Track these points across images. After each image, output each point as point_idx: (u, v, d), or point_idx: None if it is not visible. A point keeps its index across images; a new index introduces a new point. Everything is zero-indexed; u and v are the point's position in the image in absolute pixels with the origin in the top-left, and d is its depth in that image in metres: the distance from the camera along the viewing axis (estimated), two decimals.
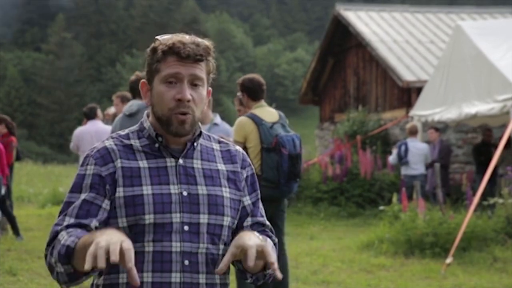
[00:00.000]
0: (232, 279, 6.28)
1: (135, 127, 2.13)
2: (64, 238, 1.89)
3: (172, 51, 2.02)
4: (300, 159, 5.81)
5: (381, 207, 11.01)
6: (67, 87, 57.96)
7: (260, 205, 2.23)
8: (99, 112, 9.07)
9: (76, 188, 2.02)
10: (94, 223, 1.97)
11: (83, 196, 1.99)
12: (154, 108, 2.07)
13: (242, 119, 5.82)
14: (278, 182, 5.67)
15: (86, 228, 1.94)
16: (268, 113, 5.85)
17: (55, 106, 56.73)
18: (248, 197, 2.18)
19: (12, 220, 10.02)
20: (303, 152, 16.63)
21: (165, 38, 2.06)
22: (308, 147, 18.63)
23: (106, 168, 2.02)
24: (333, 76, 18.94)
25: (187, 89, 2.02)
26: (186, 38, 2.05)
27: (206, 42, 2.09)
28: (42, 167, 29.09)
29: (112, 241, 1.73)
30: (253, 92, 5.89)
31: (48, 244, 1.96)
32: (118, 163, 2.02)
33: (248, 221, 2.17)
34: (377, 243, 9.31)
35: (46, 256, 1.97)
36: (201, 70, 2.06)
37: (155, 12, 64.28)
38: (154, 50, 2.06)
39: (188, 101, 2.02)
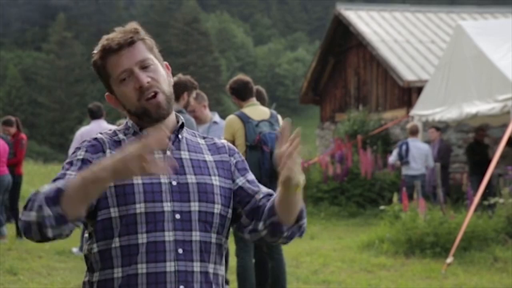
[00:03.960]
0: (233, 279, 6.28)
1: (121, 127, 2.15)
2: (48, 186, 1.86)
3: (106, 51, 2.05)
4: None
5: (382, 207, 11.00)
6: (67, 86, 58.01)
7: (258, 183, 2.22)
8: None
9: (66, 168, 2.00)
10: None
11: (71, 174, 1.96)
12: (127, 108, 2.08)
13: (230, 117, 5.86)
14: (260, 180, 5.61)
15: None
16: (257, 111, 5.84)
17: (55, 105, 56.77)
18: (242, 178, 2.17)
19: (17, 217, 10.05)
20: (306, 151, 16.74)
21: (97, 47, 2.09)
22: (308, 146, 18.65)
23: (97, 156, 2.02)
24: (334, 76, 18.94)
25: (141, 75, 2.03)
26: (112, 33, 2.07)
27: (131, 25, 2.09)
28: (43, 166, 29.09)
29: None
30: (238, 92, 5.91)
31: (25, 207, 1.90)
32: (109, 153, 2.03)
33: (260, 194, 2.15)
34: (377, 243, 9.30)
35: (25, 208, 1.89)
36: (141, 51, 2.06)
37: (156, 12, 64.28)
38: (94, 63, 2.11)
39: (148, 83, 2.03)
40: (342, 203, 13.52)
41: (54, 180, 1.96)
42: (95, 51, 2.08)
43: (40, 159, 34.31)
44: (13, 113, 45.67)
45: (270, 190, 2.20)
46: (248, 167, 2.24)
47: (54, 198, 1.82)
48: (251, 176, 2.22)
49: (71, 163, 2.02)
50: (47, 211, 1.82)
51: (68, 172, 1.98)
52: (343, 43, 18.42)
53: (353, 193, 13.63)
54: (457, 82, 11.13)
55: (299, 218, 2.07)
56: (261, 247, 5.97)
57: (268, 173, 5.63)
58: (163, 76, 2.08)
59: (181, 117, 2.15)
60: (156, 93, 2.03)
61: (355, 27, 17.18)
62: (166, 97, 2.06)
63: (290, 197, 1.99)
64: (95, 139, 2.07)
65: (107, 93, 2.12)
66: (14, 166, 9.91)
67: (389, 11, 18.90)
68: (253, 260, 5.98)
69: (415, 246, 8.88)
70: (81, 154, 2.03)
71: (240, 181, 2.17)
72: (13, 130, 10.11)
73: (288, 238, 2.10)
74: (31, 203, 1.86)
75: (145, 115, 2.04)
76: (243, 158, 2.25)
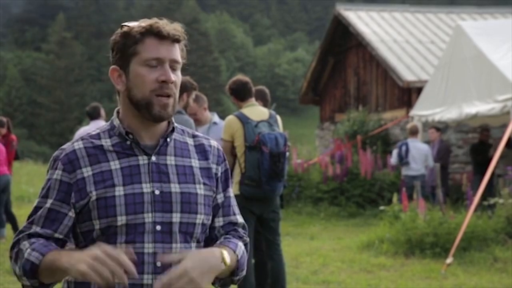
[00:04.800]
0: None
1: (106, 126, 2.10)
2: (27, 251, 1.92)
3: (151, 31, 1.99)
4: (284, 157, 5.69)
5: (382, 207, 11.01)
6: (67, 86, 57.98)
7: (233, 202, 2.20)
8: (102, 111, 8.95)
9: (45, 192, 2.02)
10: (57, 235, 1.98)
11: (49, 203, 1.99)
12: (132, 92, 2.01)
13: (229, 118, 5.84)
14: (260, 181, 5.61)
15: (49, 239, 1.97)
16: (256, 111, 5.83)
17: (55, 105, 56.74)
18: (221, 194, 2.15)
19: (12, 220, 10.07)
20: (305, 151, 16.77)
21: (135, 23, 2.03)
22: (308, 147, 18.64)
23: (74, 174, 1.99)
24: (334, 76, 18.94)
25: (171, 71, 2.01)
26: (161, 21, 2.04)
27: (178, 25, 2.06)
28: (43, 166, 29.05)
29: (106, 252, 1.78)
30: (237, 92, 5.90)
31: (12, 247, 1.99)
32: (89, 171, 1.99)
33: (220, 221, 2.15)
34: (377, 243, 9.31)
35: (11, 257, 2.00)
36: (178, 53, 2.04)
37: (156, 12, 64.22)
38: (127, 34, 2.01)
39: (172, 82, 2.00)
40: (342, 204, 13.52)
41: (36, 208, 2.01)
42: (136, 25, 2.01)
43: (40, 159, 34.28)
44: (12, 113, 45.60)
45: (232, 217, 2.18)
46: (230, 178, 2.22)
47: (30, 272, 1.92)
48: (229, 192, 2.19)
49: (48, 187, 2.02)
50: (26, 281, 1.94)
51: (48, 202, 2.00)
52: (343, 43, 18.43)
53: (352, 193, 13.63)
54: (456, 83, 11.13)
55: (234, 273, 2.10)
56: (261, 247, 5.97)
57: (267, 174, 5.63)
58: (179, 84, 2.07)
59: (173, 121, 2.10)
60: (169, 96, 2.01)
61: (354, 27, 17.18)
62: (174, 103, 2.03)
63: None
64: (74, 152, 2.03)
65: (114, 66, 2.05)
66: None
67: (389, 11, 18.90)
68: (253, 261, 5.98)
69: (414, 247, 8.89)
70: (58, 174, 2.01)
71: (220, 198, 2.15)
72: (3, 131, 10.18)
73: (221, 286, 2.14)
74: (18, 256, 1.95)
75: (146, 108, 2.00)
76: (228, 166, 2.22)
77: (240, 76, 6.06)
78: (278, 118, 5.99)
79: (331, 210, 13.31)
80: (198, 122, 6.59)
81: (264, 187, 5.63)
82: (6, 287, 7.05)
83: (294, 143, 17.43)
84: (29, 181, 20.84)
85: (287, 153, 5.82)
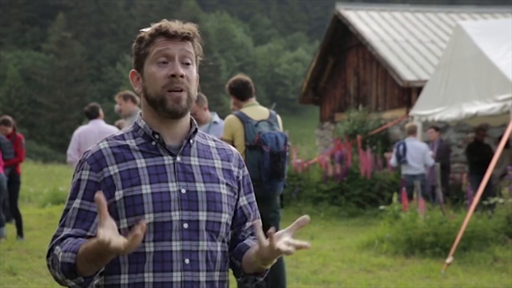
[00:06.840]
0: (233, 279, 6.28)
1: (129, 129, 2.13)
2: (61, 255, 1.92)
3: (160, 32, 2.05)
4: (284, 157, 5.69)
5: (382, 207, 11.01)
6: (67, 86, 57.95)
7: (256, 205, 2.25)
8: (100, 111, 8.96)
9: (72, 194, 2.04)
10: (89, 233, 1.99)
11: (77, 203, 2.01)
12: (147, 91, 2.07)
13: (229, 117, 5.84)
14: (260, 180, 5.61)
15: (82, 238, 1.98)
16: (256, 111, 5.84)
17: (55, 105, 56.73)
18: (245, 198, 2.19)
19: (18, 220, 10.08)
20: (305, 151, 16.77)
21: (149, 28, 2.10)
22: (308, 146, 18.65)
23: (101, 173, 2.02)
24: (334, 76, 18.94)
25: (179, 65, 2.04)
26: (171, 22, 2.09)
27: (191, 25, 2.11)
28: (43, 166, 29.12)
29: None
30: (238, 92, 5.90)
31: (48, 255, 1.99)
32: (115, 168, 2.02)
33: (248, 225, 2.19)
34: (377, 243, 9.31)
35: (49, 266, 1.99)
36: (190, 50, 2.08)
37: (156, 12, 64.23)
38: (141, 38, 2.09)
39: (182, 76, 2.03)
40: (342, 203, 13.52)
41: (66, 211, 2.02)
42: (146, 30, 2.09)
43: (40, 159, 34.32)
44: (12, 113, 45.61)
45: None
46: (251, 182, 2.26)
47: (71, 273, 1.90)
48: (252, 197, 2.24)
49: (75, 188, 2.04)
50: (71, 283, 1.93)
51: (76, 202, 2.02)
52: (343, 43, 18.43)
53: (352, 193, 13.64)
54: (457, 82, 11.14)
55: (258, 274, 2.14)
56: None
57: (268, 173, 5.63)
58: (194, 80, 2.09)
59: (195, 122, 2.14)
60: (181, 90, 2.04)
61: (354, 27, 17.18)
62: (188, 98, 2.07)
63: (259, 266, 2.04)
64: (100, 152, 2.05)
65: (133, 70, 2.12)
66: (15, 165, 10.08)
67: (389, 11, 18.91)
68: None
69: (414, 246, 8.89)
70: (86, 174, 2.03)
71: (243, 201, 2.19)
72: (10, 130, 10.25)
73: (241, 282, 2.17)
74: (54, 262, 1.95)
75: (161, 105, 2.04)
76: (248, 171, 2.26)
77: (241, 76, 6.06)
78: (278, 117, 6.00)
79: (331, 209, 13.31)
80: (199, 121, 6.61)
81: (265, 186, 5.63)
82: (6, 287, 7.05)
83: (294, 142, 17.42)
84: (29, 181, 20.84)
85: (287, 153, 5.82)
